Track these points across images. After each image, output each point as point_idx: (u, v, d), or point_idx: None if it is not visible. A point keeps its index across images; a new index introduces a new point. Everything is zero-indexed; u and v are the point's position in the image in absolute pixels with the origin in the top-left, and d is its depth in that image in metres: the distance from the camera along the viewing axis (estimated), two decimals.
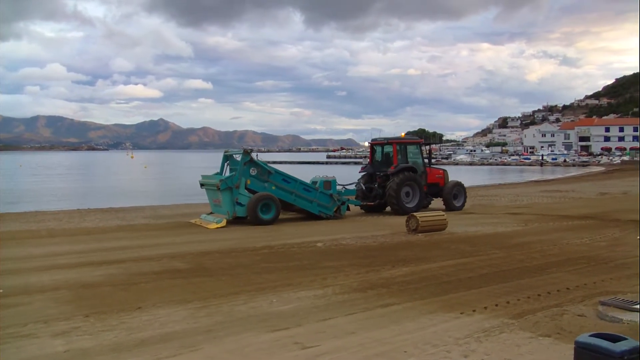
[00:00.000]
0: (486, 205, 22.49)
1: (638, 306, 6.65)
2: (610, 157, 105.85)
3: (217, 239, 13.87)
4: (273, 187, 17.52)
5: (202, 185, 18.44)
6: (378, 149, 21.53)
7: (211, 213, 17.89)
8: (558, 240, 13.01)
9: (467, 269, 9.81)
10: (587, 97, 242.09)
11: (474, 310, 7.05)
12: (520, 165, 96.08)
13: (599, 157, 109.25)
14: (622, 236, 13.54)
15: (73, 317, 6.95)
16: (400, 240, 13.45)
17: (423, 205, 20.07)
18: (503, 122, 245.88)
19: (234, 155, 18.55)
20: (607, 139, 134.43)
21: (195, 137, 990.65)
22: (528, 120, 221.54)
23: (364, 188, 20.41)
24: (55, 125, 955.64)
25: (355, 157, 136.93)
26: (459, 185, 21.43)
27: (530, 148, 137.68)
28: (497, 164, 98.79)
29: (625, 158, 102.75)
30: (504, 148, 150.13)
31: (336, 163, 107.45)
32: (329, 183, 18.60)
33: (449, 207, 20.62)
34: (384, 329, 6.36)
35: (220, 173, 18.42)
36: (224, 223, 16.50)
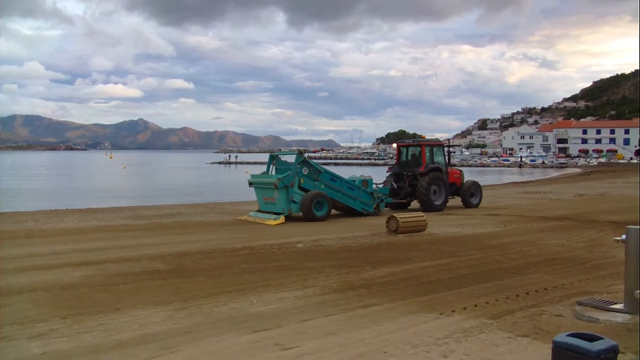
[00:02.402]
0: None
1: (614, 306, 6.76)
2: (588, 159, 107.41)
3: (196, 240, 13.78)
4: (322, 186, 18.57)
5: (251, 184, 19.28)
6: (404, 150, 23.23)
7: (259, 210, 18.67)
8: (536, 241, 13.16)
9: (447, 269, 9.88)
10: (566, 99, 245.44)
11: (453, 311, 7.09)
12: (500, 166, 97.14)
13: (577, 159, 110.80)
14: (599, 237, 13.72)
15: (51, 319, 6.86)
16: (381, 241, 13.50)
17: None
18: (483, 124, 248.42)
19: (279, 156, 19.85)
20: (584, 141, 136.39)
21: (175, 138, 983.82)
22: (507, 123, 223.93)
23: (395, 187, 21.67)
24: (33, 125, 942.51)
25: (336, 159, 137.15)
26: (475, 184, 23.43)
27: (509, 150, 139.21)
28: (477, 166, 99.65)
29: (602, 160, 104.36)
30: (483, 150, 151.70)
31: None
32: (367, 182, 19.91)
33: (467, 205, 22.60)
34: (365, 329, 6.37)
35: (267, 172, 19.48)
36: (282, 219, 17.41)
